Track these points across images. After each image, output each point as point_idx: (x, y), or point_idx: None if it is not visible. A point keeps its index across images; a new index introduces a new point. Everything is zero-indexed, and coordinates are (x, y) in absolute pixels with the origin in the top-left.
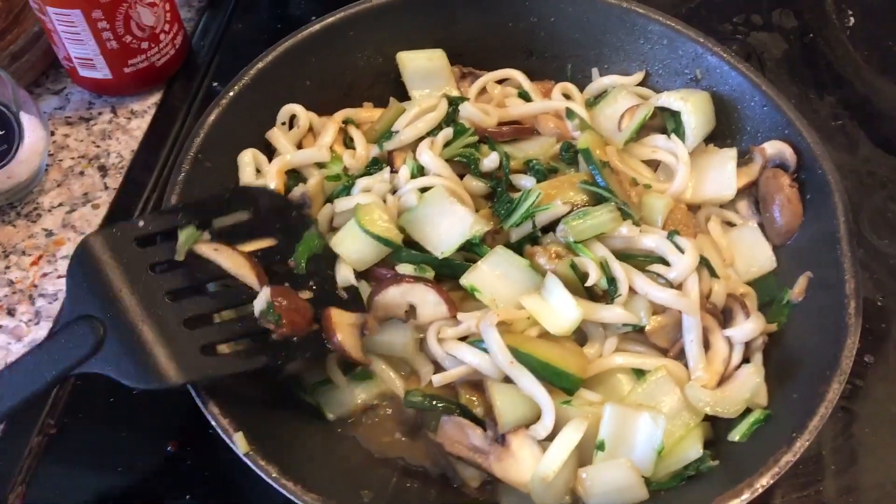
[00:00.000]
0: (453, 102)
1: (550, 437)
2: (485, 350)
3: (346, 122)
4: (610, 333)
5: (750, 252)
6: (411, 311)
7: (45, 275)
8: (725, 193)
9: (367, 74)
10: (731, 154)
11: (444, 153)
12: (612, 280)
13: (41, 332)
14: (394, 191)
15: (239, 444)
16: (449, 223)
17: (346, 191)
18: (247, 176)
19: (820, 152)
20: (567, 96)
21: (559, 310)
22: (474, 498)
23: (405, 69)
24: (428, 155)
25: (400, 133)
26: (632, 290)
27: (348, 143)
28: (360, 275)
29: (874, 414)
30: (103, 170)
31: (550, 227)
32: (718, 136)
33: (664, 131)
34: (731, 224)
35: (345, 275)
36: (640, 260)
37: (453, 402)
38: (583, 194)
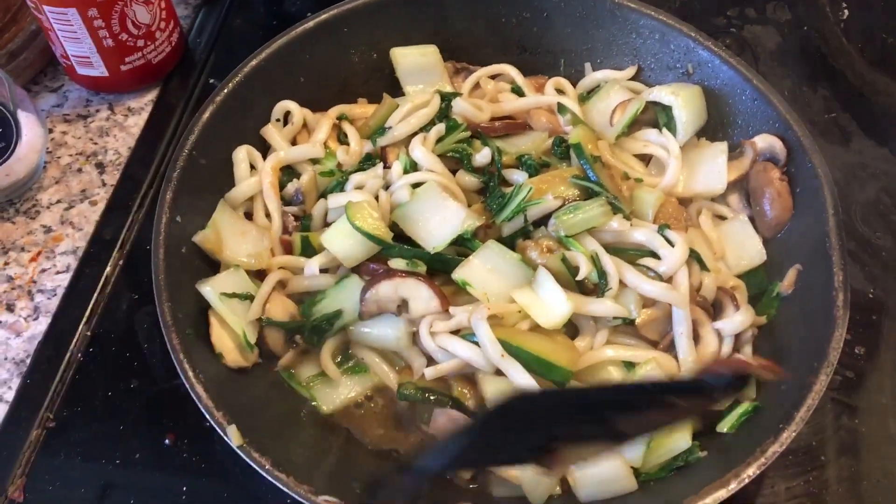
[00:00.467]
0: (446, 98)
1: None
2: (476, 343)
3: (341, 118)
4: (601, 326)
5: (740, 245)
6: (403, 305)
7: (43, 271)
8: (716, 187)
9: (362, 70)
10: (721, 148)
11: (436, 149)
12: (602, 274)
13: (40, 327)
14: (386, 186)
15: (232, 437)
16: (441, 218)
17: (340, 186)
18: (241, 172)
19: (810, 145)
20: (560, 91)
21: (550, 303)
22: (466, 489)
23: (399, 65)
24: (420, 150)
25: (393, 129)
26: (622, 284)
27: (342, 139)
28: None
29: (866, 405)
30: (101, 167)
31: (542, 221)
32: (710, 130)
33: (656, 126)
34: (721, 217)
35: (311, 268)
36: (631, 254)
37: (446, 395)
38: (574, 189)
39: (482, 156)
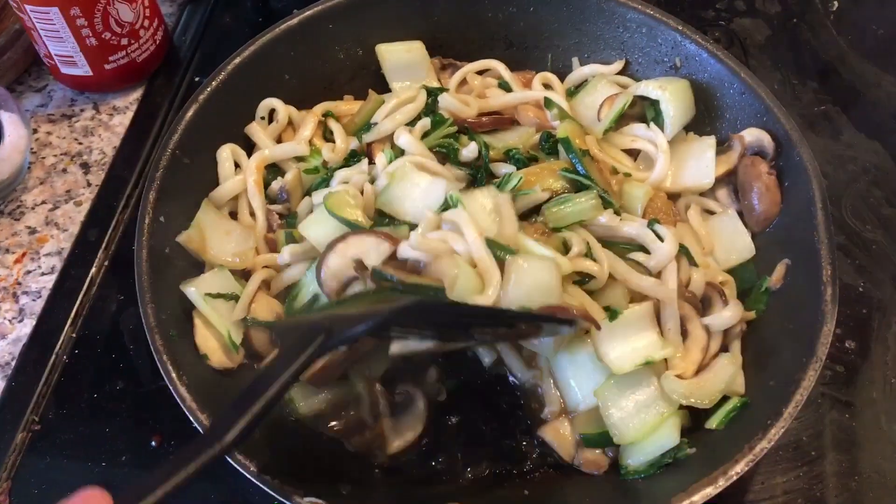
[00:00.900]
0: (432, 93)
1: None
2: None
3: (326, 115)
4: None
5: (729, 240)
6: (360, 265)
7: (28, 272)
8: (704, 182)
9: (348, 67)
10: (710, 142)
11: (423, 143)
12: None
13: (25, 329)
14: (372, 181)
15: None
16: (421, 192)
17: (325, 183)
18: (225, 171)
19: (798, 139)
20: (547, 86)
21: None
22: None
23: (385, 61)
24: (406, 137)
25: (378, 125)
26: (611, 278)
27: (328, 136)
28: None
29: (857, 399)
30: (86, 167)
31: (529, 214)
32: (698, 124)
33: (644, 120)
34: (710, 212)
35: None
36: (621, 248)
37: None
38: (563, 181)
39: (469, 150)
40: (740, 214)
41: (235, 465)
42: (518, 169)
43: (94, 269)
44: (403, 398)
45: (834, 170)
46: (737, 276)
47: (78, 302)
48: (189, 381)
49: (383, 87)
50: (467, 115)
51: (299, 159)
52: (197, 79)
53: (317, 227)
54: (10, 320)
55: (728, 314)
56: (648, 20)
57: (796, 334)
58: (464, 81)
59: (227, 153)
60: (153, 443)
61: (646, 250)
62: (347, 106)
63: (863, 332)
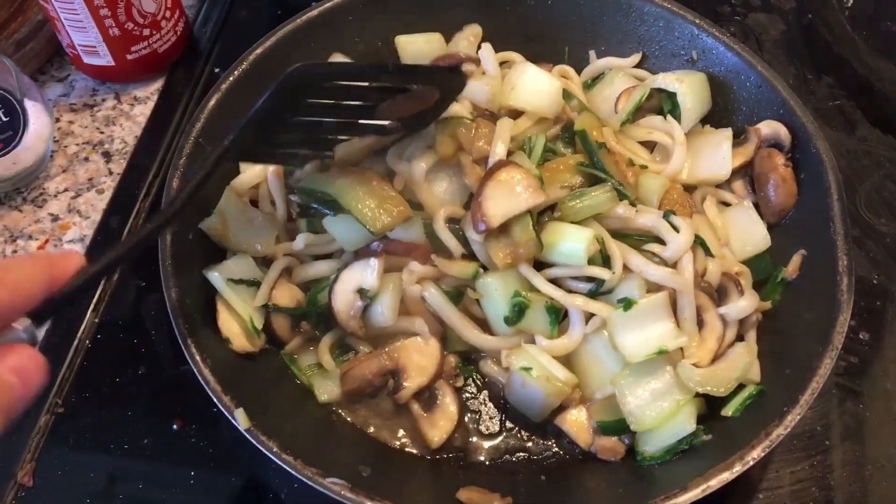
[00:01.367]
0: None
1: None
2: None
3: None
4: None
5: (745, 231)
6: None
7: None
8: (721, 173)
9: (367, 59)
10: (726, 134)
11: None
12: (606, 258)
13: None
14: None
15: (240, 419)
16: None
17: None
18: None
19: (814, 131)
20: (565, 78)
21: None
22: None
23: (404, 53)
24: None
25: None
26: (626, 269)
27: None
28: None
29: (870, 390)
30: (107, 155)
31: (545, 211)
32: (714, 117)
33: (660, 112)
34: (726, 204)
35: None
36: (636, 239)
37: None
38: (579, 176)
39: None
40: (756, 206)
41: (257, 445)
42: (536, 163)
43: None
44: (429, 393)
45: (848, 164)
46: (753, 266)
47: (100, 288)
48: (212, 364)
49: None
50: (493, 106)
51: None
52: (217, 70)
53: (343, 227)
54: None
55: (744, 304)
56: (666, 13)
57: (812, 324)
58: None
59: None
60: (174, 426)
61: (661, 241)
62: None
63: (876, 324)
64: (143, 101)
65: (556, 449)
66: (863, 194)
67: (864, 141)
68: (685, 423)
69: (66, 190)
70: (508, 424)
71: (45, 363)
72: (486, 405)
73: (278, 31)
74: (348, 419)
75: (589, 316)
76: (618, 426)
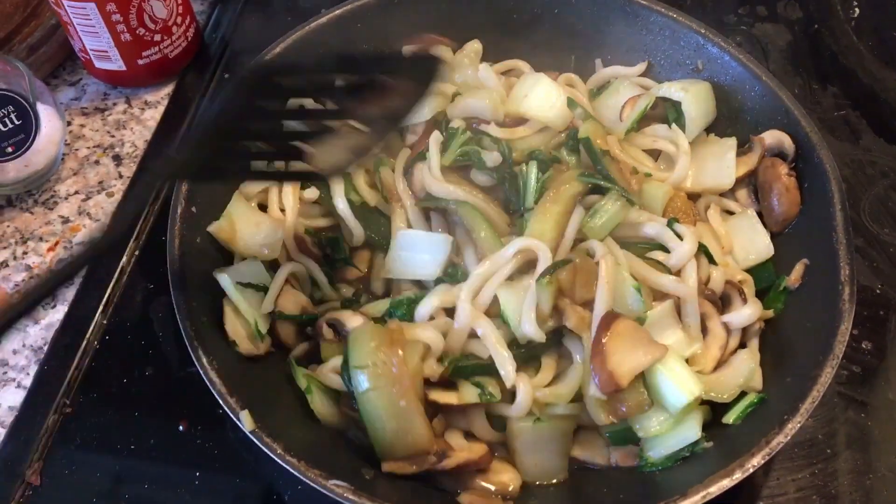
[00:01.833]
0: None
1: None
2: None
3: None
4: None
5: (748, 240)
6: None
7: (61, 260)
8: (725, 182)
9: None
10: (730, 143)
11: (444, 158)
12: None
13: (58, 315)
14: None
15: (245, 421)
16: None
17: None
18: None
19: (817, 141)
20: (571, 87)
21: None
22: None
23: None
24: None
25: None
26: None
27: None
28: None
29: (872, 399)
30: (118, 159)
31: None
32: (719, 126)
33: (665, 121)
34: (729, 212)
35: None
36: (640, 247)
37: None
38: (583, 184)
39: (492, 158)
40: (760, 215)
41: (262, 447)
42: (541, 170)
43: (124, 258)
44: None
45: (853, 174)
46: (755, 275)
47: (109, 290)
48: (218, 366)
49: None
50: (495, 117)
51: None
52: (226, 75)
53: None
54: (43, 306)
55: (747, 312)
56: (672, 23)
57: (814, 333)
58: None
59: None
60: (180, 427)
61: (665, 249)
62: None
63: (879, 334)
64: (153, 106)
65: None
66: (867, 204)
67: (868, 151)
68: (691, 429)
69: (76, 192)
70: None
71: None
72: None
73: (288, 38)
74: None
75: None
76: (626, 434)
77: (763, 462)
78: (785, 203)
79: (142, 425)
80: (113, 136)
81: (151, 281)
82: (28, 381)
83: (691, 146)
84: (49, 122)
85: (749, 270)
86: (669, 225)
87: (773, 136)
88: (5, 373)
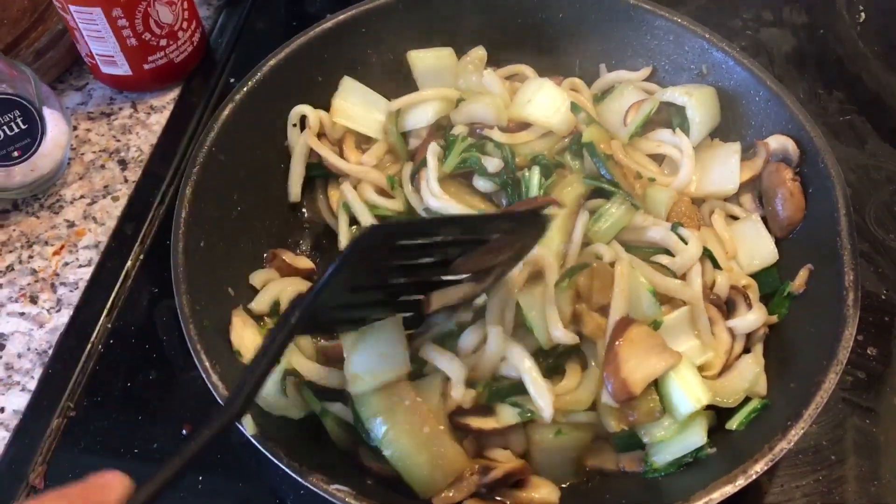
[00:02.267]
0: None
1: None
2: None
3: None
4: None
5: (752, 245)
6: None
7: (66, 264)
8: (729, 187)
9: (379, 71)
10: (735, 148)
11: (444, 166)
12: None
13: (62, 319)
14: None
15: (247, 426)
16: None
17: None
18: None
19: (822, 146)
20: (575, 91)
21: None
22: None
23: (415, 68)
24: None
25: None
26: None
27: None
28: None
29: (877, 405)
30: (123, 163)
31: None
32: (723, 131)
33: (669, 126)
34: (734, 217)
35: None
36: (645, 251)
37: None
38: (587, 188)
39: (494, 165)
40: (764, 220)
41: (264, 451)
42: (545, 175)
43: (129, 262)
44: None
45: (858, 179)
46: (760, 280)
47: (114, 293)
48: (221, 370)
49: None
50: (499, 122)
51: None
52: (232, 80)
53: None
54: (48, 310)
55: (752, 317)
56: (676, 28)
57: (818, 338)
58: None
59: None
60: (184, 431)
61: (669, 253)
62: None
63: (885, 339)
64: (158, 111)
65: None
66: (872, 209)
67: (874, 156)
68: (696, 434)
69: (82, 197)
70: None
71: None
72: None
73: (293, 43)
74: None
75: None
76: (631, 441)
77: (766, 468)
78: (789, 208)
79: (145, 429)
80: (118, 141)
81: (156, 285)
82: (32, 385)
83: (695, 151)
84: (55, 126)
85: (753, 275)
86: (674, 229)
87: (778, 141)
88: (10, 376)
